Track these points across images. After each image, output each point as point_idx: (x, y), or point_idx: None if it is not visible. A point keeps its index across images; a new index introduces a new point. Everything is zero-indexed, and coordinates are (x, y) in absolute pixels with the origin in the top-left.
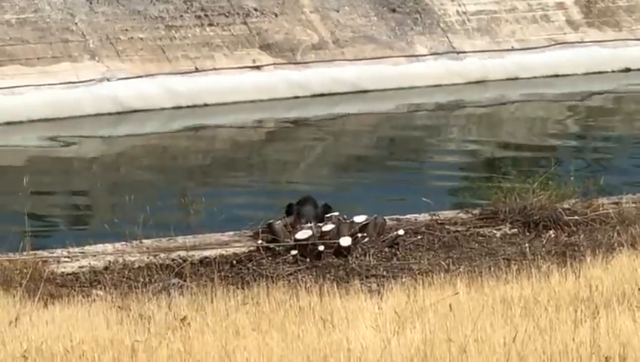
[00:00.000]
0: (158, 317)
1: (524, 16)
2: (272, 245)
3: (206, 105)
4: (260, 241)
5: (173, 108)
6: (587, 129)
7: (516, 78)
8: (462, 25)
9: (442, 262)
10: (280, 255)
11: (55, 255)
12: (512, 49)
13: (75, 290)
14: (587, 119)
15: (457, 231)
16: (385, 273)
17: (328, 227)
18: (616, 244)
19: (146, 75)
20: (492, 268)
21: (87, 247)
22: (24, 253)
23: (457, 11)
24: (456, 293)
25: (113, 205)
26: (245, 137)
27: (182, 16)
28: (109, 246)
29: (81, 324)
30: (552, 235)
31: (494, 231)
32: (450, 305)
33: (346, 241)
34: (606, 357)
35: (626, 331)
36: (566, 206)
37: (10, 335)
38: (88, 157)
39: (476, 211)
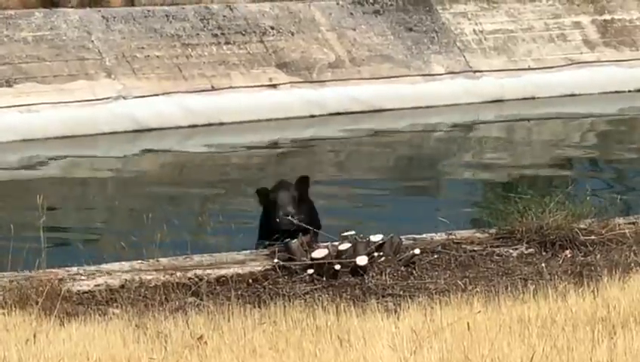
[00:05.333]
0: (175, 335)
1: (541, 36)
2: (288, 264)
3: (222, 123)
4: (276, 260)
5: (189, 126)
6: (604, 149)
7: (533, 98)
8: (478, 44)
9: (459, 282)
10: (296, 274)
11: (71, 273)
12: (529, 68)
13: (91, 308)
14: (604, 139)
15: (474, 250)
16: (401, 292)
17: (345, 246)
18: (633, 264)
19: (163, 93)
20: (509, 288)
21: (103, 265)
22: (40, 271)
23: (474, 30)
24: (479, 311)
25: (129, 223)
26: (261, 156)
27: (198, 34)
28: (125, 265)
29: (97, 342)
30: (569, 255)
31: (511, 251)
32: (467, 324)
33: (362, 260)
34: None
35: None
36: (582, 226)
37: (27, 354)
38: (104, 175)
39: (493, 230)
